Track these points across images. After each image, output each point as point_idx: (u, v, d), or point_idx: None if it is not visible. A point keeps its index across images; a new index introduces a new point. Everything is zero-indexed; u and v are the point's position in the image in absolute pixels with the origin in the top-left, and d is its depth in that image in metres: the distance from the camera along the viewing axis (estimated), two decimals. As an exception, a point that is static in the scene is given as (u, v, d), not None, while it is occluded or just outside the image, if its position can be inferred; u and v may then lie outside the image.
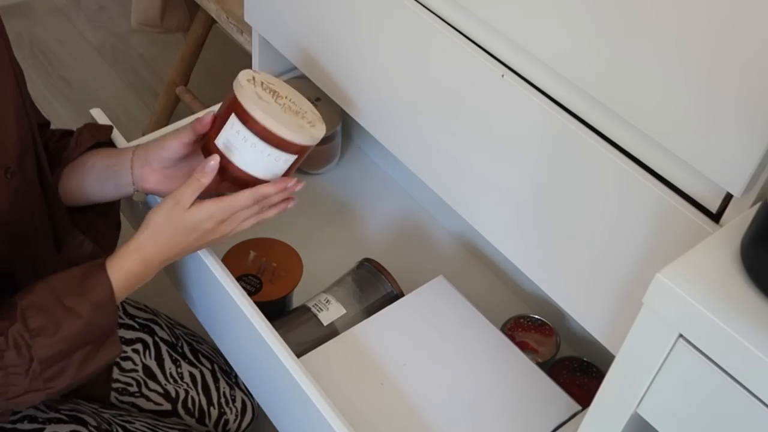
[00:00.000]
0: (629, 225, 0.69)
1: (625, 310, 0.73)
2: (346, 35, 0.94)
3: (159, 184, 0.94)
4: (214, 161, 0.84)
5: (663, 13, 0.59)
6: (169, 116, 1.87)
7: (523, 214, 0.80)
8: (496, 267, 1.20)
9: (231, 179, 0.86)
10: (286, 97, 0.89)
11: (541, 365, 1.00)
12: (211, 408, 1.13)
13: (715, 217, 0.64)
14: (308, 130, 0.86)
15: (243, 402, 1.16)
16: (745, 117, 0.57)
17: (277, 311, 1.04)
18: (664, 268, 0.53)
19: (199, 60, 1.78)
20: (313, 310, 1.03)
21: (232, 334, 0.99)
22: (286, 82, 1.06)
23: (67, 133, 0.99)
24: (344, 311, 1.03)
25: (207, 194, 0.86)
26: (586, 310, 0.78)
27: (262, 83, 0.87)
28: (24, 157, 0.84)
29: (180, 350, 1.14)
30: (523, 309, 1.15)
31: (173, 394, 1.10)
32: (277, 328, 0.90)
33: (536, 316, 1.10)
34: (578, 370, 1.06)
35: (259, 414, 1.19)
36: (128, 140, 1.05)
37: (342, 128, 1.30)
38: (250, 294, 1.01)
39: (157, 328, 1.13)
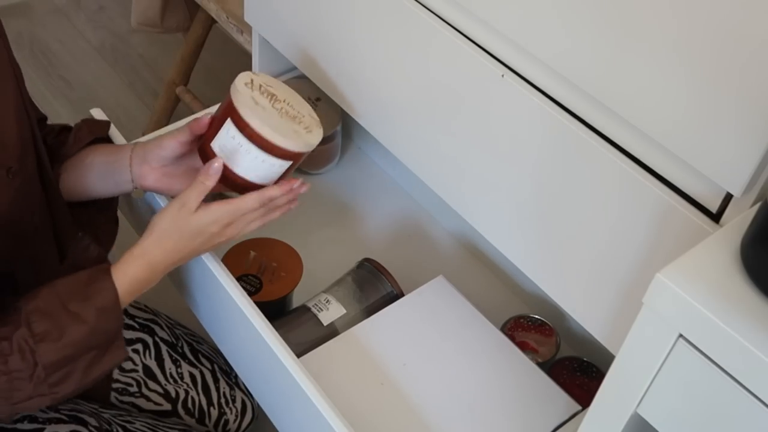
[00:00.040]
0: (629, 225, 0.69)
1: (625, 310, 0.73)
2: (346, 35, 0.94)
3: (158, 182, 0.94)
4: (218, 163, 0.84)
5: (663, 13, 0.59)
6: (169, 116, 1.87)
7: (523, 214, 0.80)
8: (496, 267, 1.20)
9: (225, 182, 0.87)
10: (284, 101, 0.89)
11: (541, 365, 1.00)
12: (211, 408, 1.13)
13: (715, 217, 0.64)
14: (304, 136, 0.86)
15: (243, 402, 1.16)
16: (745, 117, 0.57)
17: (277, 311, 1.04)
18: (664, 268, 0.53)
19: (199, 60, 1.78)
20: (313, 310, 1.03)
21: (232, 334, 0.99)
22: (286, 82, 1.06)
23: (65, 129, 0.99)
24: (344, 311, 1.03)
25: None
26: (586, 310, 0.78)
27: (260, 86, 0.87)
28: (25, 157, 0.84)
29: (180, 350, 1.14)
30: (523, 309, 1.15)
31: (173, 395, 1.10)
32: (277, 328, 0.90)
33: (536, 316, 1.10)
34: (578, 370, 1.06)
35: (259, 414, 1.19)
36: (128, 141, 1.05)
37: (342, 128, 1.30)
38: (250, 294, 1.01)
39: (157, 328, 1.13)
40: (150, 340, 1.11)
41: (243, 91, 0.84)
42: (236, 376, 1.17)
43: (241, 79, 0.86)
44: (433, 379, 0.96)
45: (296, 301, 1.08)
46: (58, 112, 2.03)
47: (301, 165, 0.99)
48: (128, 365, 1.08)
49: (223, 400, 1.14)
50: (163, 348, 1.12)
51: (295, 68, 1.18)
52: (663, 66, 0.61)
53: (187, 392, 1.11)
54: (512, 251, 0.84)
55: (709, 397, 0.54)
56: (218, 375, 1.15)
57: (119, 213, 1.06)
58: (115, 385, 1.07)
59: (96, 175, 0.95)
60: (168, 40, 2.20)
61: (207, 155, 0.87)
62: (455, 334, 1.01)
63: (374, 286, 1.07)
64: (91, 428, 0.96)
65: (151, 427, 1.04)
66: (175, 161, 0.94)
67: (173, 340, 1.14)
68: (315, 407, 0.84)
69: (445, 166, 0.87)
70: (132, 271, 0.83)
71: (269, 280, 1.07)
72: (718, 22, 0.56)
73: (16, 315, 0.77)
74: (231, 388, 1.15)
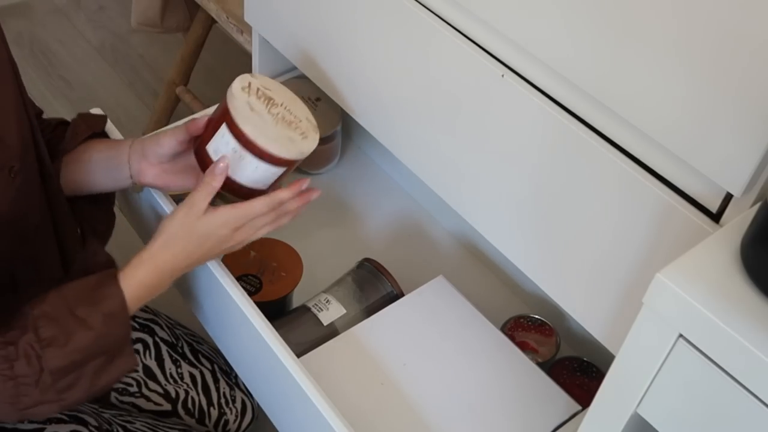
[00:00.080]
0: (629, 225, 0.69)
1: (625, 310, 0.73)
2: (346, 35, 0.94)
3: (156, 179, 0.94)
4: (223, 163, 0.84)
5: (663, 13, 0.59)
6: (169, 116, 1.87)
7: (523, 213, 0.80)
8: (496, 267, 1.20)
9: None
10: (281, 105, 0.88)
11: (541, 365, 1.00)
12: (211, 408, 1.13)
13: (715, 217, 0.64)
14: (299, 144, 0.86)
15: (243, 402, 1.16)
16: (744, 117, 0.57)
17: (277, 311, 1.04)
18: (664, 268, 0.53)
19: (199, 60, 1.78)
20: (313, 310, 1.03)
21: (232, 334, 0.99)
22: (286, 82, 1.06)
23: (62, 123, 0.99)
24: (344, 311, 1.03)
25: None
26: (586, 310, 0.78)
27: (257, 90, 0.87)
28: (26, 155, 0.84)
29: (180, 350, 1.14)
30: (523, 309, 1.15)
31: (173, 395, 1.10)
32: (277, 328, 0.91)
33: (536, 316, 1.10)
34: (578, 370, 1.06)
35: (259, 414, 1.19)
36: (128, 141, 1.05)
37: (342, 128, 1.30)
38: (250, 294, 1.01)
39: (157, 328, 1.13)
40: (150, 340, 1.11)
41: (239, 96, 0.84)
42: (236, 376, 1.17)
43: (239, 83, 0.86)
44: (433, 379, 0.96)
45: (296, 301, 1.08)
46: (58, 112, 2.03)
47: (301, 165, 0.99)
48: (128, 365, 1.08)
49: (223, 401, 1.14)
50: (163, 348, 1.12)
51: (295, 68, 1.18)
52: (663, 66, 0.61)
53: (187, 392, 1.11)
54: (512, 251, 0.84)
55: (709, 397, 0.54)
56: (218, 375, 1.15)
57: (120, 214, 1.06)
58: (115, 385, 1.07)
59: (95, 170, 0.95)
60: (168, 40, 2.20)
61: (202, 157, 0.87)
62: (455, 334, 1.01)
63: (374, 286, 1.07)
64: (91, 428, 0.96)
65: (151, 427, 1.04)
66: (173, 158, 0.94)
67: (173, 340, 1.14)
68: (315, 407, 0.84)
69: (445, 165, 0.87)
70: (140, 275, 0.82)
71: (269, 280, 1.07)
72: (718, 22, 0.56)
73: (23, 320, 0.76)
74: (231, 389, 1.15)
